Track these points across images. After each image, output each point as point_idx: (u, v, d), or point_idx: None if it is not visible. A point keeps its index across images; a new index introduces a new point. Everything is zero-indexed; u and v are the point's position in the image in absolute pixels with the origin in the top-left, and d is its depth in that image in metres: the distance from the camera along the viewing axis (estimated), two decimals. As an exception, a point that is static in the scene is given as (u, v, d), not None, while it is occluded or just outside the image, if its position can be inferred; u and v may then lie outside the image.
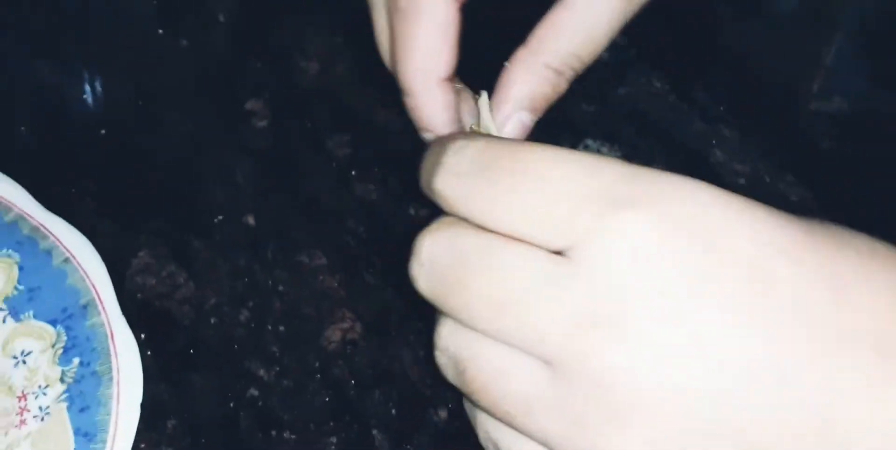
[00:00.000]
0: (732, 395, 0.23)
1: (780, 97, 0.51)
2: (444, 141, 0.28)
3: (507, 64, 0.35)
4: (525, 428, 0.25)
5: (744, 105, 0.50)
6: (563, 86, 0.35)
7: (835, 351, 0.23)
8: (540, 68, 0.35)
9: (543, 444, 0.25)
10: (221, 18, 0.53)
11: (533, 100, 0.35)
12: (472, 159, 0.27)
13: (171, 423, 0.34)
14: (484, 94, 0.35)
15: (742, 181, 0.46)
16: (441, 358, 0.28)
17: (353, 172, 0.43)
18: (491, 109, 0.34)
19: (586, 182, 0.25)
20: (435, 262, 0.27)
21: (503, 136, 0.35)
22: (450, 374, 0.27)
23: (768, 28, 0.55)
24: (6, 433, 0.33)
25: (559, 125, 0.47)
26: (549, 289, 0.24)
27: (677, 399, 0.23)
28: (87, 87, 0.46)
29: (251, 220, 0.41)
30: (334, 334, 0.37)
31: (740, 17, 0.57)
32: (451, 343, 0.27)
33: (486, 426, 0.27)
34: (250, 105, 0.46)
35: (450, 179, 0.27)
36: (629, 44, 0.53)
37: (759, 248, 0.24)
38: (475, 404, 0.27)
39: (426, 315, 0.38)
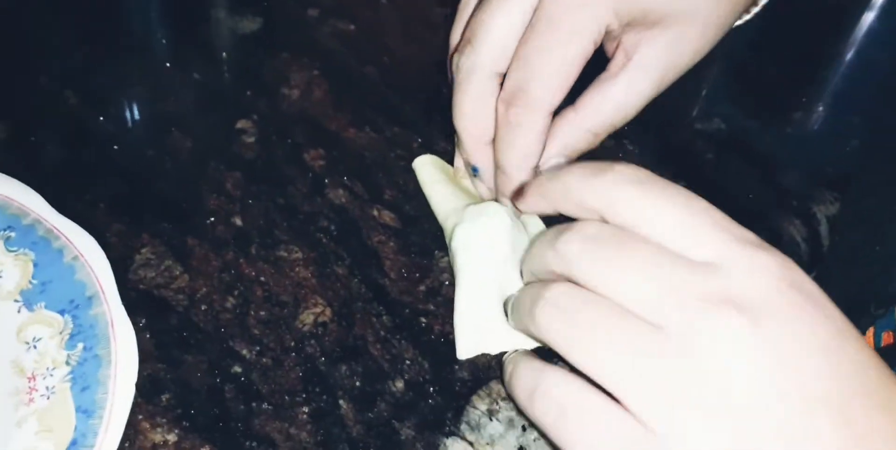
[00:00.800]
0: None
1: (671, 119, 0.47)
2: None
3: (556, 118, 0.33)
4: None
5: (643, 125, 0.45)
6: (596, 144, 0.35)
7: None
8: (582, 130, 0.33)
9: None
10: (223, 55, 0.48)
11: (571, 151, 0.34)
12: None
13: (165, 396, 0.29)
14: None
15: (643, 187, 0.41)
16: (543, 401, 0.23)
17: (326, 181, 0.39)
18: None
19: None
20: (566, 308, 0.23)
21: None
22: (550, 417, 0.23)
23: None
24: (16, 410, 0.27)
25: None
26: (643, 359, 0.21)
27: None
28: (103, 111, 0.41)
29: (238, 221, 0.36)
30: (307, 318, 0.33)
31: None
32: (557, 390, 0.23)
33: None
34: (241, 124, 0.41)
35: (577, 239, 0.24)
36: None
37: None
38: (562, 446, 0.23)
39: (386, 302, 0.34)
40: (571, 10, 0.30)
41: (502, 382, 0.29)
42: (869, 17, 0.64)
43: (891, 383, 0.22)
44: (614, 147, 0.44)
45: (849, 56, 0.59)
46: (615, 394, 0.22)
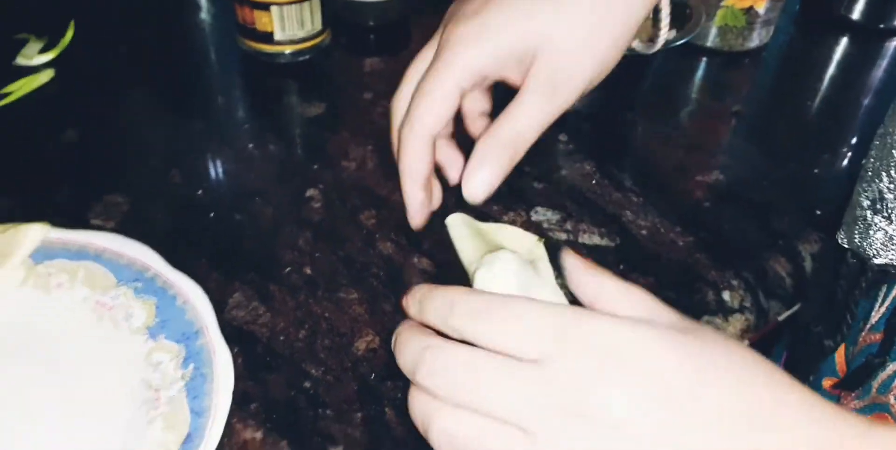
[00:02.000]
0: None
1: (672, 173, 0.55)
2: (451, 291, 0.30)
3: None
4: None
5: (646, 179, 0.54)
6: (515, 159, 0.36)
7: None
8: (496, 146, 0.36)
9: None
10: (295, 135, 0.59)
11: (492, 166, 0.37)
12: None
13: (253, 405, 0.39)
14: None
15: (644, 232, 0.50)
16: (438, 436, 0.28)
17: (377, 236, 0.49)
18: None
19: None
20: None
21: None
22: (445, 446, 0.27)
23: (664, 127, 0.59)
24: (147, 413, 0.38)
25: (517, 198, 0.52)
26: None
27: None
28: (201, 185, 0.52)
29: (309, 270, 0.46)
30: (361, 345, 0.42)
31: (645, 120, 0.61)
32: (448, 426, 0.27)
33: None
34: (309, 193, 0.52)
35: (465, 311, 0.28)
36: (568, 141, 0.57)
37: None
38: None
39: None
40: (442, 64, 0.36)
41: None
42: (881, 66, 0.71)
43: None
44: (622, 200, 0.52)
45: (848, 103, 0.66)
46: None
